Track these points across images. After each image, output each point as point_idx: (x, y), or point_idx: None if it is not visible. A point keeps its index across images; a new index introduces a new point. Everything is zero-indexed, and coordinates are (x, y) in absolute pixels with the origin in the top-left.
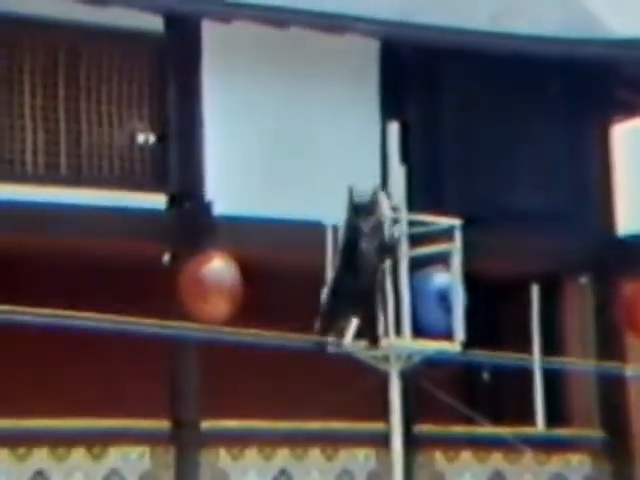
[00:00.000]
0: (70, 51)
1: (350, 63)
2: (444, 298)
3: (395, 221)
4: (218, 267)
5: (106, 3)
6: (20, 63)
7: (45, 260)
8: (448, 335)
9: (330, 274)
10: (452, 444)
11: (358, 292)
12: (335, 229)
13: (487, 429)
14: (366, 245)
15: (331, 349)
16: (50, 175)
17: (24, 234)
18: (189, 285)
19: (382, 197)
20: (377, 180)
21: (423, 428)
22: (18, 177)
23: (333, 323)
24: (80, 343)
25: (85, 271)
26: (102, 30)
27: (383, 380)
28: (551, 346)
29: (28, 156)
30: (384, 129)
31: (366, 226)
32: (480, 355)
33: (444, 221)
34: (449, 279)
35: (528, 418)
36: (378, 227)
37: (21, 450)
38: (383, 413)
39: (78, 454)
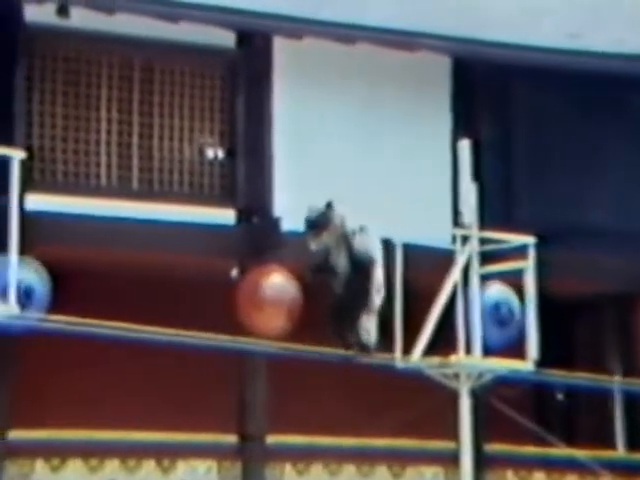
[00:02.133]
0: (144, 67)
1: (421, 79)
2: (498, 312)
3: (465, 238)
4: (277, 282)
5: (179, 19)
6: (97, 79)
7: (115, 273)
8: (502, 351)
9: (398, 292)
10: (524, 464)
11: (344, 306)
12: (404, 247)
13: (562, 450)
14: (334, 259)
15: (400, 365)
16: (122, 189)
17: (95, 247)
18: (248, 299)
19: (335, 210)
20: (448, 197)
21: (494, 447)
22: (92, 190)
23: (342, 337)
24: (148, 356)
25: (154, 284)
26: (175, 46)
27: (453, 398)
28: (626, 366)
29: (102, 170)
30: (455, 146)
31: (330, 240)
32: (554, 375)
33: (517, 239)
34: (503, 292)
35: (604, 440)
36: (343, 240)
37: (94, 461)
38: (452, 431)
39: (148, 467)
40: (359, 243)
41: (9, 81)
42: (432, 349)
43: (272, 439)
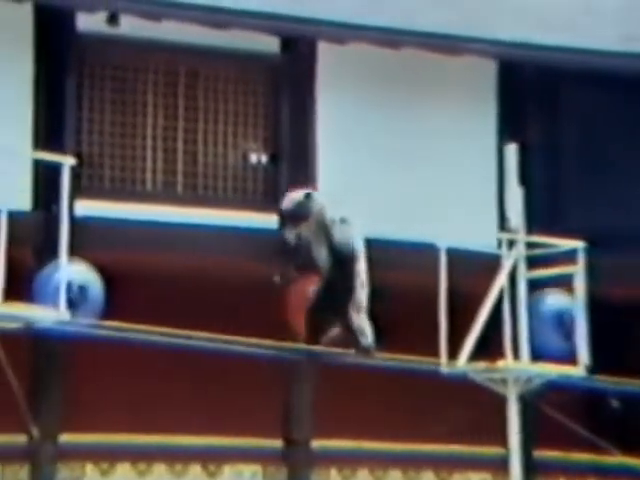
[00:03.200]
0: (190, 73)
1: (466, 83)
2: (561, 321)
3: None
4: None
5: (224, 26)
6: (143, 85)
7: (160, 277)
8: (564, 359)
9: (443, 297)
10: (577, 472)
11: (326, 301)
12: (449, 251)
13: (616, 458)
14: (316, 251)
15: (446, 370)
16: (167, 194)
17: (141, 252)
18: (294, 304)
19: (314, 200)
20: (493, 201)
21: (545, 454)
22: (138, 196)
23: (318, 331)
24: (195, 361)
25: (198, 289)
26: (220, 52)
27: (501, 403)
28: None
29: (148, 175)
30: (501, 150)
31: (309, 232)
32: (607, 381)
33: (566, 243)
34: (566, 301)
35: None
36: (323, 231)
37: (142, 465)
38: (501, 437)
39: (195, 471)
40: (340, 234)
41: (61, 89)
42: (480, 354)
43: (317, 444)
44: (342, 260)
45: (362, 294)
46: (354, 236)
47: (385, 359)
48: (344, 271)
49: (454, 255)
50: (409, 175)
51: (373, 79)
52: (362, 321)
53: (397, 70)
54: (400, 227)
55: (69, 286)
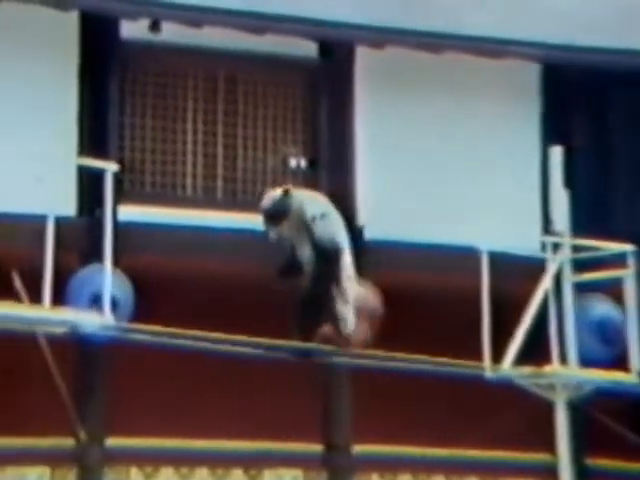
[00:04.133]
0: (229, 78)
1: (508, 86)
2: (607, 326)
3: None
4: (359, 291)
5: (263, 32)
6: (184, 91)
7: (201, 282)
8: (609, 364)
9: (485, 300)
10: None
11: (312, 299)
12: (492, 255)
13: None
14: (299, 249)
15: (490, 375)
16: (207, 199)
17: (181, 256)
18: None
19: (293, 197)
20: (536, 205)
21: (598, 462)
22: (178, 201)
23: (309, 329)
24: (234, 365)
25: (239, 293)
26: (258, 57)
27: (547, 408)
28: None
29: (188, 180)
30: (545, 153)
31: (290, 230)
32: None
33: (614, 247)
34: (612, 306)
35: None
36: (304, 228)
37: (184, 469)
38: (548, 443)
39: (236, 475)
40: (321, 229)
41: (104, 96)
42: (525, 359)
43: (358, 449)
44: (326, 255)
45: (350, 287)
46: (336, 230)
47: (427, 363)
48: (328, 266)
49: (497, 258)
50: (450, 179)
51: (412, 83)
52: (347, 311)
53: (437, 74)
54: (441, 231)
55: (105, 291)
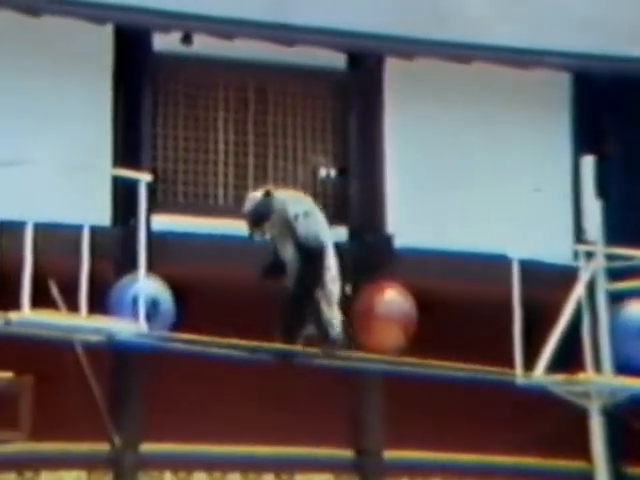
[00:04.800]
0: (259, 89)
1: (539, 95)
2: None
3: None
4: (391, 298)
5: (292, 43)
6: (215, 102)
7: (233, 290)
8: None
9: (517, 308)
10: None
11: (296, 300)
12: (522, 263)
13: None
14: (282, 249)
15: (522, 381)
16: (239, 208)
17: (213, 264)
18: (361, 315)
19: (275, 198)
20: (567, 214)
21: (634, 470)
22: (210, 210)
23: (293, 331)
24: (267, 371)
25: (270, 301)
26: (288, 68)
27: (581, 416)
28: None
29: (220, 190)
30: (576, 162)
31: (273, 230)
32: None
33: None
34: None
35: None
36: (287, 228)
37: (217, 474)
38: (583, 450)
39: None
40: (304, 228)
41: (137, 107)
42: (558, 367)
43: (390, 454)
44: (309, 254)
45: (334, 287)
46: (320, 229)
47: (459, 369)
48: (312, 265)
49: (528, 266)
50: (480, 187)
51: (441, 93)
52: (333, 314)
53: (466, 84)
54: (471, 239)
55: (144, 299)
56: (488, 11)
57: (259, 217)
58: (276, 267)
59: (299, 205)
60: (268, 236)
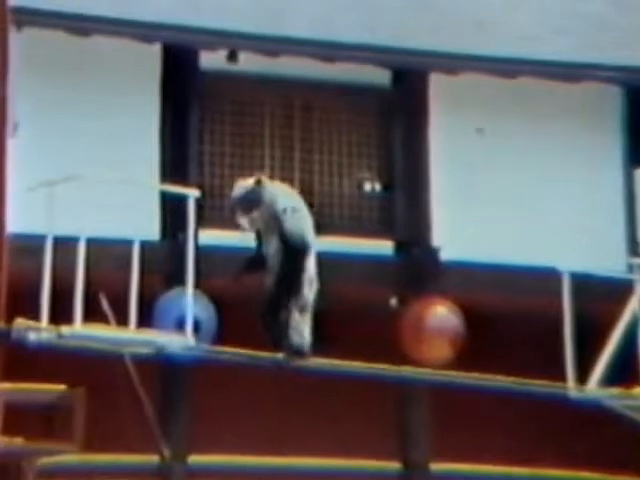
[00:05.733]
0: (304, 106)
1: (588, 108)
2: None
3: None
4: (440, 311)
5: (337, 60)
6: (261, 119)
7: None
8: None
9: (568, 321)
10: None
11: (275, 300)
12: (574, 276)
13: None
14: (267, 244)
15: (575, 395)
16: None
17: (260, 278)
18: (410, 328)
19: (266, 189)
20: (621, 226)
21: None
22: None
23: (277, 334)
24: (312, 384)
25: (315, 315)
26: (333, 85)
27: (636, 430)
28: None
29: None
30: (629, 175)
31: (260, 221)
32: None
33: None
34: None
35: None
36: (274, 221)
37: None
38: (638, 465)
39: None
40: (291, 223)
41: (185, 124)
42: (614, 380)
43: (436, 467)
44: (292, 251)
45: (309, 292)
46: (306, 227)
47: (510, 383)
48: (294, 264)
49: (579, 280)
50: (528, 201)
51: (487, 108)
52: (303, 322)
53: (512, 99)
54: (520, 253)
55: (187, 313)
56: (535, 25)
57: (248, 205)
58: (257, 261)
59: (288, 200)
60: (253, 227)
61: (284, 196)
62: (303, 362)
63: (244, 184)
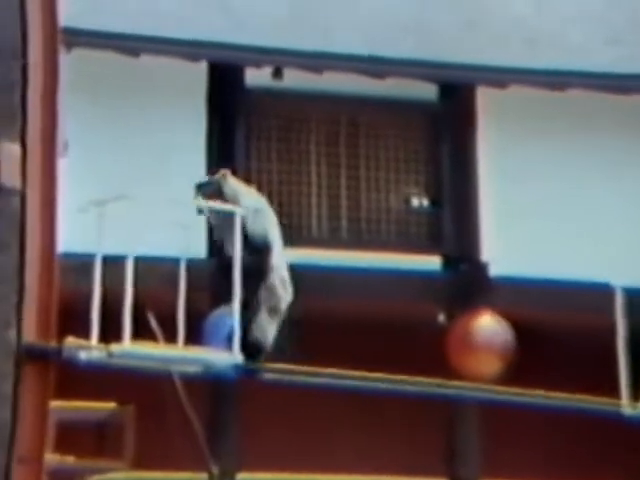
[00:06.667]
0: (350, 122)
1: (630, 121)
2: None
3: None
4: (488, 326)
5: (383, 76)
6: (307, 135)
7: (326, 321)
8: None
9: (621, 337)
10: None
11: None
12: (625, 292)
13: None
14: (228, 244)
15: (629, 412)
16: (332, 239)
17: (309, 296)
18: (459, 343)
19: (230, 185)
20: None
21: None
22: (304, 241)
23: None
24: (358, 401)
25: (363, 331)
26: (379, 101)
27: None
28: None
29: (313, 221)
30: None
31: (216, 216)
32: None
33: None
34: None
35: None
36: (234, 219)
37: None
38: None
39: None
40: (253, 224)
41: (231, 141)
42: None
43: None
44: (255, 251)
45: (285, 294)
46: (269, 227)
47: (563, 399)
48: (258, 264)
49: (633, 296)
50: (578, 215)
51: (536, 121)
52: (271, 322)
53: (562, 111)
54: (570, 268)
55: (234, 330)
56: (585, 36)
57: (208, 191)
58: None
59: (251, 199)
60: (211, 217)
61: (247, 195)
62: (259, 362)
63: (210, 176)
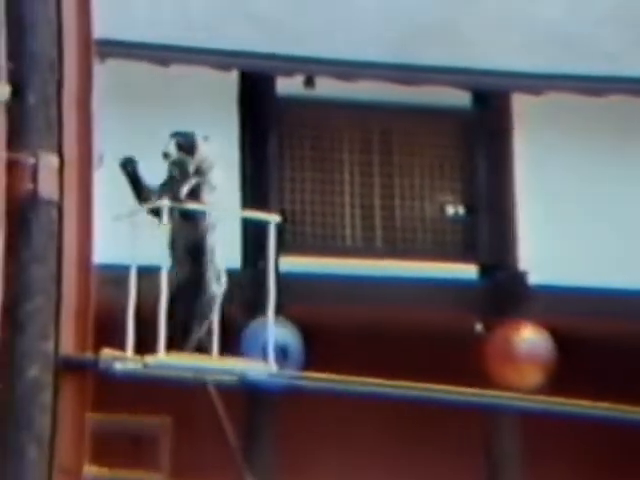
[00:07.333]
0: (383, 130)
1: None
2: None
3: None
4: (529, 336)
5: (416, 83)
6: (340, 144)
7: (362, 330)
8: None
9: None
10: None
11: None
12: None
13: None
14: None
15: None
16: (367, 248)
17: (343, 305)
18: (498, 353)
19: (203, 148)
20: None
21: None
22: (338, 251)
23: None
24: (395, 412)
25: (399, 340)
26: (412, 109)
27: None
28: None
29: (347, 231)
30: None
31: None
32: None
33: None
34: None
35: None
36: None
37: None
38: None
39: None
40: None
41: (264, 151)
42: None
43: None
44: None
45: (217, 288)
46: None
47: (604, 409)
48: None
49: None
50: (618, 223)
51: (572, 127)
52: (199, 324)
53: (598, 117)
54: (609, 276)
55: (269, 341)
56: (621, 42)
57: (180, 144)
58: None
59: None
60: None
61: (217, 172)
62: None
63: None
